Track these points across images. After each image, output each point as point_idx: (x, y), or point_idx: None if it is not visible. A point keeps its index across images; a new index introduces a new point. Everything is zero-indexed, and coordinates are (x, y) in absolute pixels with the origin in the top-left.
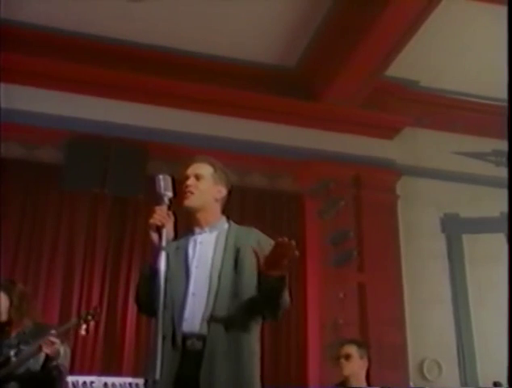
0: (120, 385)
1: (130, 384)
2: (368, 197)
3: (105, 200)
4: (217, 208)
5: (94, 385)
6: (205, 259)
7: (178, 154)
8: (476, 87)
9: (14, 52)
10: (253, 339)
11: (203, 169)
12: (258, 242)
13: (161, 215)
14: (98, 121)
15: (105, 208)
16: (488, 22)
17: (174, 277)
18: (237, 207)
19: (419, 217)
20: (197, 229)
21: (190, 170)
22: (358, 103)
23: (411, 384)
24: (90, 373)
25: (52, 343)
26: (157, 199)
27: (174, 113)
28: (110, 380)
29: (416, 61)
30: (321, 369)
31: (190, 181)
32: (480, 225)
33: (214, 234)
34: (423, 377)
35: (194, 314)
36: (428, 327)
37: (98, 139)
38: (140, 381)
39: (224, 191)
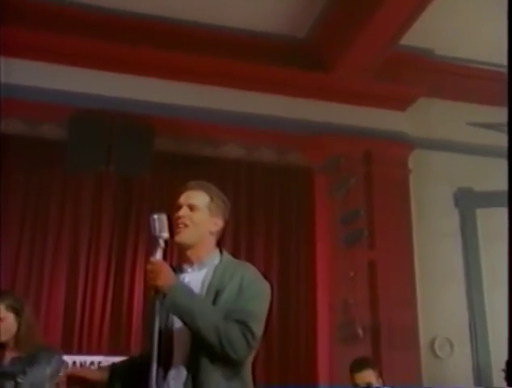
0: None
1: None
2: (379, 173)
3: (110, 178)
4: (211, 241)
5: (101, 365)
6: None
7: (185, 130)
8: (492, 56)
9: (15, 25)
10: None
11: (198, 198)
12: (240, 282)
13: (155, 273)
14: (102, 96)
15: (110, 187)
16: None
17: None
18: (245, 183)
19: (432, 192)
20: (186, 267)
21: (184, 199)
22: (371, 74)
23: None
24: (97, 353)
25: None
26: (152, 242)
27: (181, 87)
28: (118, 360)
29: (431, 30)
30: (331, 350)
31: (183, 212)
32: (494, 199)
33: (203, 272)
34: (435, 355)
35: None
36: (440, 306)
37: (102, 115)
38: None
39: (220, 224)
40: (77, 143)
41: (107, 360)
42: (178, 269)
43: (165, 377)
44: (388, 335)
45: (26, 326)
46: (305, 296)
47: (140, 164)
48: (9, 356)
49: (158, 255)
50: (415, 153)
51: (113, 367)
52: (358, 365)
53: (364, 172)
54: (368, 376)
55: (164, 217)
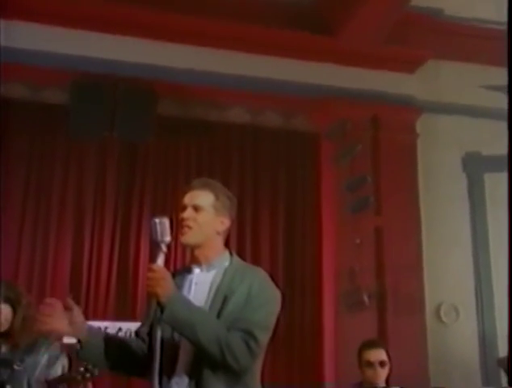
0: (134, 330)
1: None
2: (387, 138)
3: (114, 145)
4: (219, 241)
5: (108, 330)
6: (198, 304)
7: (189, 94)
8: (502, 15)
9: None
10: None
11: (203, 198)
12: (248, 290)
13: (155, 280)
14: (105, 60)
15: (114, 154)
16: None
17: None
18: (250, 148)
19: (439, 156)
20: (194, 267)
21: (188, 200)
22: (379, 36)
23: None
24: (103, 318)
25: None
26: (154, 247)
27: (184, 50)
28: (124, 325)
29: None
30: (336, 317)
31: (188, 213)
32: (503, 164)
33: (211, 274)
34: (440, 321)
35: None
36: (446, 272)
37: (104, 80)
38: None
39: (227, 223)
40: (80, 108)
41: (114, 326)
42: (186, 270)
43: (168, 383)
44: (394, 301)
45: (22, 319)
46: (311, 264)
47: (144, 129)
48: (8, 343)
49: (160, 260)
50: (423, 117)
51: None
52: (371, 343)
53: (371, 137)
54: (382, 354)
55: (166, 221)
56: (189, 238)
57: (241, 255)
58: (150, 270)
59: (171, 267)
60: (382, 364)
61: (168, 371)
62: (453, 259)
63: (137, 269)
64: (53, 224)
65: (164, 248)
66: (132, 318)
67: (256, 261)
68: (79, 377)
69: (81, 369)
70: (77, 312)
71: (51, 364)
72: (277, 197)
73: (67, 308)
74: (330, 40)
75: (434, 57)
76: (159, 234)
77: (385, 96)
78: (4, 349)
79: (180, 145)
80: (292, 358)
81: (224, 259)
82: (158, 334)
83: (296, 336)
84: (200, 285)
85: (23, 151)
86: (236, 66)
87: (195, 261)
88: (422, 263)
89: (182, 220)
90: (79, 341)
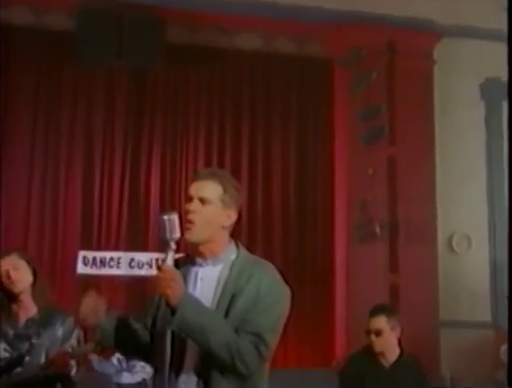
0: (147, 261)
1: (157, 259)
2: (403, 65)
3: (122, 74)
4: (225, 235)
5: (121, 260)
6: (206, 304)
7: (198, 20)
8: None
9: None
10: None
11: (211, 190)
12: (257, 288)
13: (165, 281)
14: None
15: (122, 84)
16: None
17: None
18: (261, 76)
19: (457, 83)
20: (199, 260)
21: (194, 190)
22: None
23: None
24: (116, 249)
25: (66, 363)
26: (163, 245)
27: None
28: (136, 256)
29: None
30: (348, 249)
31: (194, 206)
32: None
33: (218, 269)
34: (452, 250)
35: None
36: (459, 202)
37: (111, 5)
38: None
39: (234, 216)
40: (87, 35)
41: (126, 256)
42: (190, 261)
43: (176, 381)
44: (406, 231)
45: (40, 278)
46: (323, 195)
47: (152, 57)
48: (23, 317)
49: (169, 260)
50: (442, 42)
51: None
52: (373, 310)
53: (387, 64)
54: (380, 322)
55: (175, 217)
56: (193, 235)
57: (252, 188)
58: (160, 271)
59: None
60: (377, 333)
61: (175, 368)
62: (467, 189)
63: (148, 199)
64: (63, 156)
65: (173, 246)
66: (144, 249)
67: (267, 193)
68: (98, 347)
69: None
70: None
71: (66, 338)
72: (289, 126)
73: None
74: None
75: None
76: (168, 231)
77: (402, 20)
78: (21, 324)
79: (190, 73)
80: (303, 289)
81: (230, 252)
82: (168, 336)
83: (308, 270)
84: (207, 281)
85: (30, 82)
86: None
87: (199, 255)
88: (435, 193)
89: (188, 213)
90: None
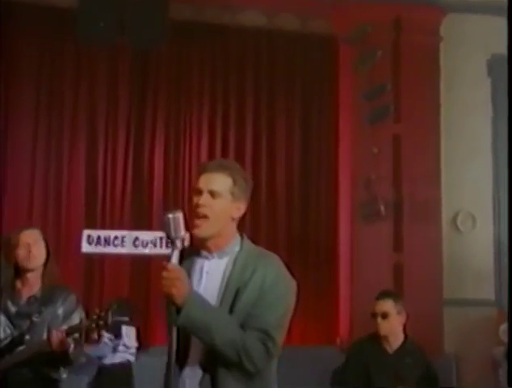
0: (151, 240)
1: (160, 238)
2: (408, 42)
3: (125, 51)
4: (232, 228)
5: (125, 239)
6: (211, 299)
7: None
8: None
9: None
10: None
11: (221, 183)
12: (262, 282)
13: (170, 280)
14: None
15: (125, 61)
16: None
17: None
18: (265, 53)
19: (463, 60)
20: (204, 253)
21: (203, 184)
22: None
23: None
24: (120, 228)
25: (62, 340)
26: (168, 243)
27: None
28: (141, 234)
29: None
30: (352, 228)
31: (204, 200)
32: None
33: (224, 261)
34: (456, 229)
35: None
36: (464, 180)
37: None
38: None
39: (243, 208)
40: (89, 12)
41: (131, 235)
42: (194, 252)
43: (180, 374)
44: (411, 210)
45: (52, 260)
46: (327, 174)
47: (156, 34)
48: (26, 294)
49: (174, 258)
50: (448, 18)
51: None
52: (380, 294)
53: (392, 42)
54: (386, 305)
55: (180, 215)
56: (204, 231)
57: (256, 165)
58: (165, 269)
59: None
60: (384, 315)
61: (179, 361)
62: (472, 168)
63: (152, 178)
64: (66, 135)
65: (179, 244)
66: (148, 228)
67: (271, 172)
68: (93, 325)
69: (95, 316)
70: None
71: (67, 315)
72: (293, 104)
73: None
74: None
75: None
76: (173, 229)
77: None
78: (22, 301)
79: (193, 50)
80: (307, 267)
81: (235, 244)
82: (174, 334)
83: (312, 247)
84: (212, 274)
85: (32, 60)
86: None
87: (205, 248)
88: (440, 172)
89: (197, 206)
90: None
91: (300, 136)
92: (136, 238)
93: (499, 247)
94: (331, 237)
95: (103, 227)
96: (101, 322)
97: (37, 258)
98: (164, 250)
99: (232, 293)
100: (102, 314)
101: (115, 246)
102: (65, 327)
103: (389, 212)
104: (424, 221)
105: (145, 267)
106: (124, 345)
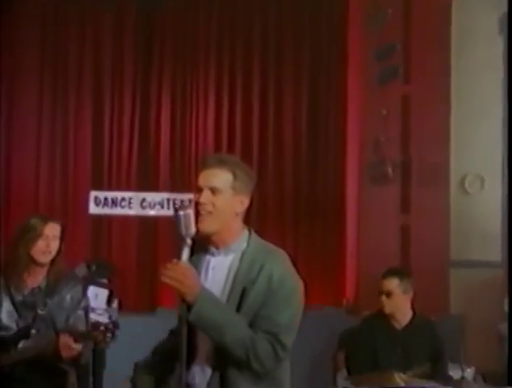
0: (158, 201)
1: (168, 200)
2: (420, 0)
3: (130, 12)
4: (238, 222)
5: (132, 200)
6: (216, 293)
7: None
8: None
9: None
10: None
11: (221, 179)
12: (269, 280)
13: (180, 278)
14: None
15: (130, 22)
16: None
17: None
18: (274, 10)
19: (475, 18)
20: (211, 249)
21: (203, 181)
22: None
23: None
24: (127, 189)
25: (70, 346)
26: (177, 241)
27: None
28: (148, 196)
29: None
30: (360, 189)
31: (204, 197)
32: None
33: (230, 258)
34: (464, 191)
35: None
36: (474, 142)
37: None
38: (177, 196)
39: (246, 202)
40: None
41: (138, 196)
42: (203, 249)
43: (187, 372)
44: (419, 172)
45: (61, 256)
46: (335, 135)
47: None
48: (30, 285)
49: (185, 256)
50: None
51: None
52: (386, 272)
53: (403, 0)
54: (391, 284)
55: (190, 212)
56: (207, 226)
57: (263, 125)
58: (176, 266)
59: None
60: (388, 294)
61: (189, 359)
62: (482, 129)
63: (159, 139)
64: (72, 97)
65: (189, 242)
66: (155, 189)
67: (279, 132)
68: (100, 336)
69: (102, 327)
70: None
71: (73, 308)
72: (301, 65)
73: None
74: None
75: None
76: (184, 227)
77: None
78: (27, 291)
79: (199, 11)
80: (314, 229)
81: (242, 241)
82: (184, 331)
83: (319, 208)
84: (218, 271)
85: (36, 23)
86: None
87: (211, 244)
88: (450, 133)
89: (198, 204)
90: None
91: (308, 97)
92: (144, 200)
93: (508, 209)
94: (339, 198)
95: (110, 189)
96: (108, 335)
97: (51, 253)
98: (171, 212)
99: (239, 291)
100: (110, 326)
101: (122, 207)
102: (72, 330)
103: (397, 173)
104: (432, 182)
105: (153, 229)
106: (104, 309)
